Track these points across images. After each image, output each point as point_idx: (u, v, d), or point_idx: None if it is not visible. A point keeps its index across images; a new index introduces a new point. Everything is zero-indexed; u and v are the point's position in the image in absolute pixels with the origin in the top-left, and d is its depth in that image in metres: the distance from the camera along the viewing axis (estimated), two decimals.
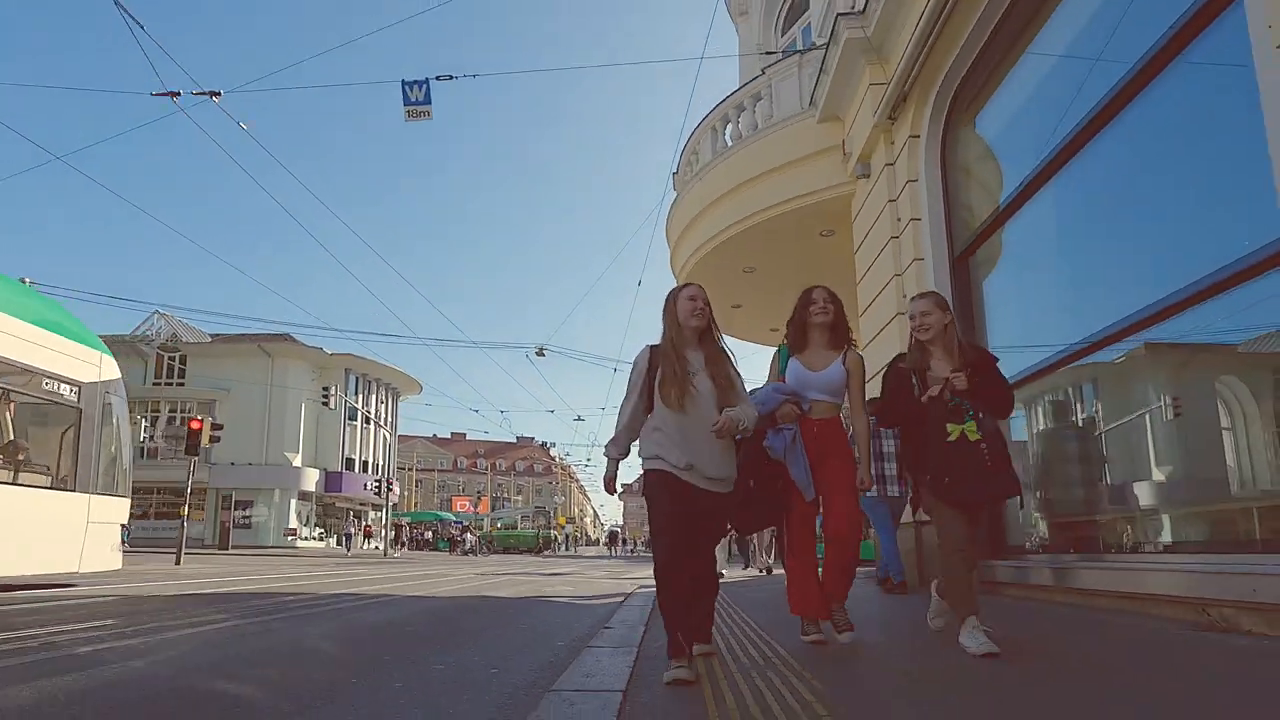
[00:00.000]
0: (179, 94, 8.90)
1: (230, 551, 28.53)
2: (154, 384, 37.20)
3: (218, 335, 36.57)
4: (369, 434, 43.05)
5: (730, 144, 10.94)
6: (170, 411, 36.76)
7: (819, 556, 3.77)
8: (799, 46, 12.86)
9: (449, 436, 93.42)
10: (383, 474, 36.67)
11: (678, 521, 2.96)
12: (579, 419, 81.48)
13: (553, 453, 76.09)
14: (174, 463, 33.50)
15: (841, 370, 3.67)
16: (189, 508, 16.90)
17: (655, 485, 3.03)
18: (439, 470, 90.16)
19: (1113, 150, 5.12)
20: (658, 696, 2.54)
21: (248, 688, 3.30)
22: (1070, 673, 2.84)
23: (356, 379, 41.15)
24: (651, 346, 3.21)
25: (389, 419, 45.14)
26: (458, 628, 5.68)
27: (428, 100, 8.80)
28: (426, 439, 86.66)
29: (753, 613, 5.12)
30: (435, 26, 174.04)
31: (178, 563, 15.49)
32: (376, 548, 37.87)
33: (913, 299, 3.76)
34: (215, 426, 16.01)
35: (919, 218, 7.55)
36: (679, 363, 3.05)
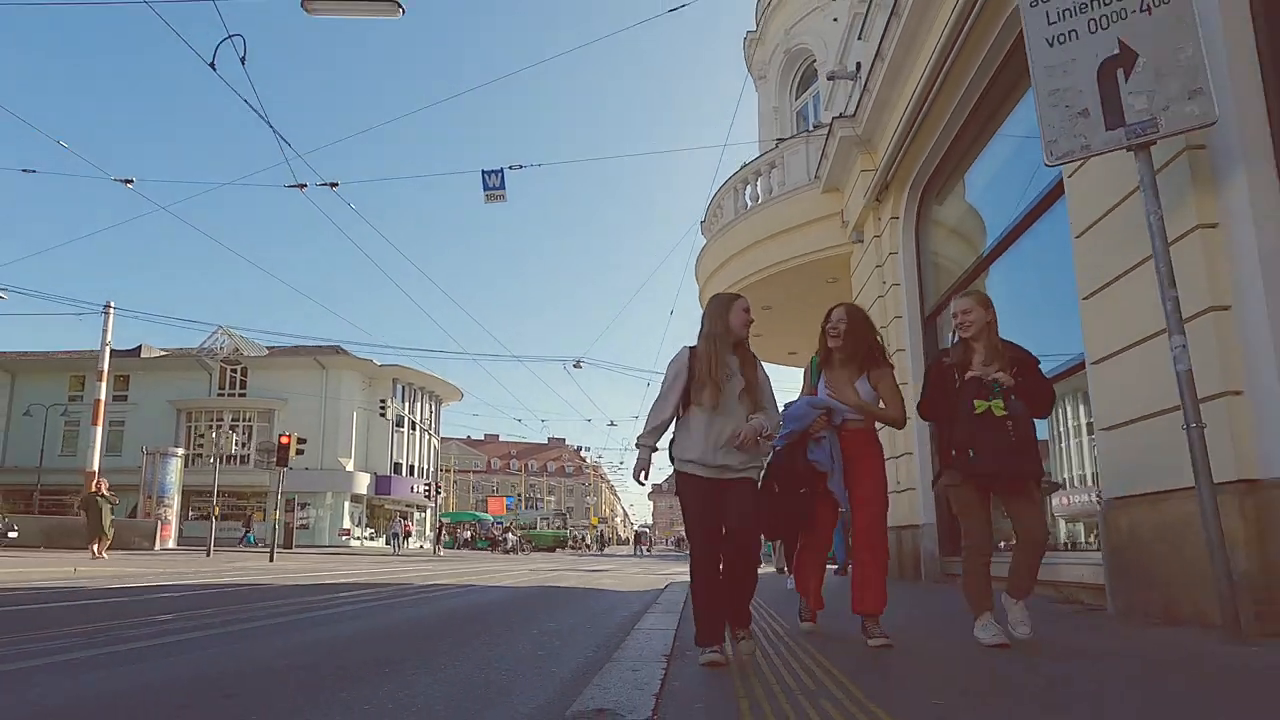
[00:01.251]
0: (305, 186, 11.11)
1: (295, 550, 30.96)
2: (218, 394, 40.10)
3: (275, 348, 39.31)
4: (415, 439, 45.59)
5: (749, 205, 12.87)
6: (233, 420, 39.52)
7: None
8: (810, 110, 14.79)
9: (482, 438, 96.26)
10: (431, 478, 39.07)
11: (708, 521, 3.18)
12: (612, 424, 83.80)
13: (586, 455, 78.89)
14: (235, 468, 36.34)
15: (869, 393, 3.78)
16: (278, 510, 19.24)
17: (686, 489, 3.25)
18: (474, 471, 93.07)
19: (1029, 251, 7.04)
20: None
21: (435, 628, 5.33)
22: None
23: (403, 388, 43.67)
24: (690, 349, 3.35)
25: (432, 424, 47.71)
26: (547, 603, 7.71)
27: (502, 186, 10.82)
28: (461, 440, 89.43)
29: (764, 596, 7.07)
30: (511, 126, 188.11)
31: (271, 559, 17.79)
32: (422, 546, 40.33)
33: (955, 298, 3.89)
34: (300, 441, 18.29)
35: (898, 283, 9.45)
36: (718, 364, 3.21)
